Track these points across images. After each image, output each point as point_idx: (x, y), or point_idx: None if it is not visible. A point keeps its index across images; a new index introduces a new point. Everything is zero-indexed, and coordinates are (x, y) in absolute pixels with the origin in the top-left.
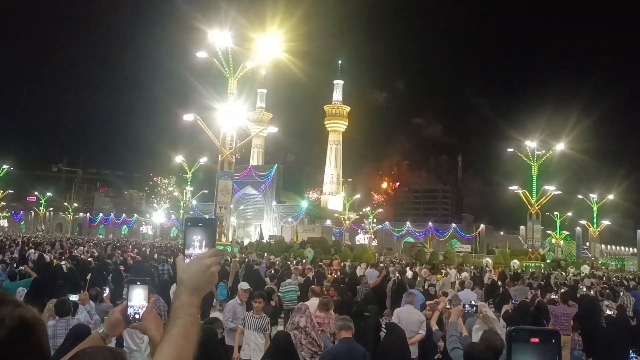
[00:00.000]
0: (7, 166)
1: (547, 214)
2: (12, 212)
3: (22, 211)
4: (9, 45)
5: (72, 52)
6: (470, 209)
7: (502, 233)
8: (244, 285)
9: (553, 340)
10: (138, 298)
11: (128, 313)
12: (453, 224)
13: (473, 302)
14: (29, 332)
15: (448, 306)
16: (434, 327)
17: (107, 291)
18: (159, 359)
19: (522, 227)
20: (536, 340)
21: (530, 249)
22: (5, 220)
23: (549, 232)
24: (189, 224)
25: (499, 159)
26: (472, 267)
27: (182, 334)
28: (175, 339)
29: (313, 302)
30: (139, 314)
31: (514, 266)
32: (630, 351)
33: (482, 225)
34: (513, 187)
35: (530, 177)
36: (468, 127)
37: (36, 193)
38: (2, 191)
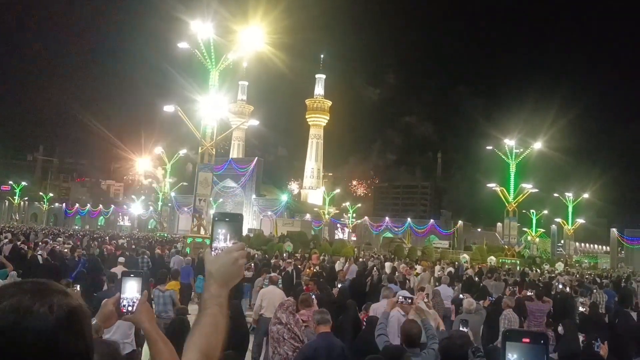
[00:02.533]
0: None
1: (523, 211)
2: None
3: None
4: None
5: (49, 40)
6: (449, 205)
7: (479, 230)
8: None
9: (542, 341)
10: (131, 290)
11: (121, 305)
12: (432, 220)
13: (407, 295)
14: (75, 321)
15: (426, 300)
16: (433, 323)
17: (77, 287)
18: (189, 348)
19: (499, 224)
20: (527, 340)
21: (506, 246)
22: None
23: (525, 229)
24: (216, 218)
25: (479, 157)
26: (447, 263)
27: (212, 324)
28: (206, 329)
29: (270, 290)
30: (132, 306)
31: (490, 262)
32: (597, 339)
33: (460, 222)
34: (491, 185)
35: (508, 174)
36: (448, 124)
37: (10, 182)
38: None
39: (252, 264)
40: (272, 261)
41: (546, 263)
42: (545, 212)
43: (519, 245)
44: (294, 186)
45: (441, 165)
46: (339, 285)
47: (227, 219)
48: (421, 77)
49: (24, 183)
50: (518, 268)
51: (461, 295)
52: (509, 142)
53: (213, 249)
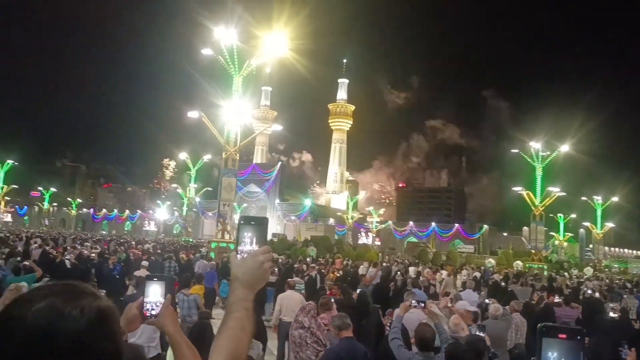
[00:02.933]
0: (11, 161)
1: (550, 215)
2: (16, 207)
3: (26, 206)
4: (12, 41)
5: (77, 48)
6: (474, 209)
7: (505, 234)
8: None
9: (578, 337)
10: (155, 294)
11: (145, 309)
12: (456, 224)
13: (420, 299)
14: (105, 323)
15: (450, 305)
16: (446, 327)
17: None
18: (215, 351)
19: (525, 228)
20: (564, 336)
21: (533, 250)
22: (9, 215)
23: (552, 233)
24: (241, 222)
25: (504, 160)
26: (472, 268)
27: (238, 327)
28: (232, 331)
29: (288, 294)
30: (155, 310)
31: (516, 267)
32: (623, 346)
33: (485, 226)
34: (517, 188)
35: (534, 178)
36: (473, 127)
37: (40, 188)
38: (6, 186)
39: (276, 269)
40: (296, 266)
41: (574, 268)
42: (573, 216)
43: (546, 250)
44: (320, 190)
45: (466, 169)
46: (358, 290)
47: (252, 223)
48: (446, 80)
49: (52, 189)
50: (545, 273)
51: (487, 300)
52: (535, 145)
53: (239, 253)
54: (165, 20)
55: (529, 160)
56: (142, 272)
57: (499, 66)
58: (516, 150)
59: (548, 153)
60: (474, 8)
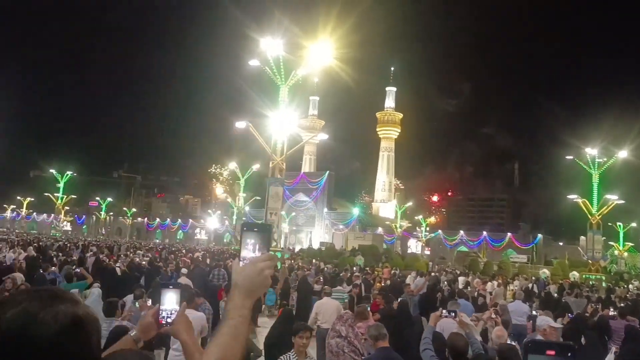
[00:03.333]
0: (71, 172)
1: (609, 224)
2: (75, 216)
3: (85, 215)
4: (71, 56)
5: (130, 62)
6: (528, 218)
7: (561, 243)
8: None
9: (569, 354)
10: (170, 302)
11: (160, 317)
12: (509, 234)
13: (451, 309)
14: (80, 330)
15: (494, 316)
16: (477, 337)
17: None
18: (205, 357)
19: (582, 237)
20: (552, 352)
21: (590, 261)
22: (69, 224)
23: (611, 243)
24: (244, 228)
25: (559, 167)
26: (525, 278)
27: (231, 334)
28: (224, 339)
29: (324, 301)
30: (171, 318)
31: (573, 278)
32: None
33: (539, 235)
34: (572, 196)
35: (590, 185)
36: (527, 133)
37: (97, 198)
38: (66, 196)
39: (322, 277)
40: (341, 274)
41: (635, 279)
42: (634, 224)
43: (604, 260)
44: (368, 199)
45: (519, 177)
46: (399, 299)
47: (255, 229)
48: (498, 86)
49: (109, 199)
50: (604, 284)
51: (534, 312)
52: (591, 151)
53: (241, 259)
54: (214, 34)
55: (584, 167)
56: (182, 280)
57: (553, 71)
58: (571, 157)
59: (605, 159)
60: (526, 11)
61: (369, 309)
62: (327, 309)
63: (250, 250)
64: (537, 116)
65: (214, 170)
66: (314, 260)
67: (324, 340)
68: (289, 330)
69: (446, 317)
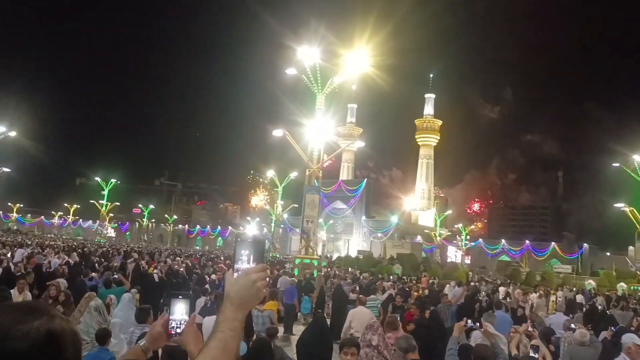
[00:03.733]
0: (115, 180)
1: None
2: (119, 223)
3: (128, 222)
4: (115, 68)
5: (171, 74)
6: (573, 227)
7: (608, 254)
8: None
9: None
10: (179, 312)
11: (170, 327)
12: (553, 243)
13: (476, 320)
14: (53, 345)
15: (530, 329)
16: (513, 350)
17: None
18: None
19: (630, 247)
20: None
21: (638, 272)
22: (113, 231)
23: None
24: (238, 239)
25: (604, 174)
26: (569, 289)
27: (220, 348)
28: (212, 352)
29: (359, 310)
30: (180, 328)
31: (620, 289)
32: None
33: (585, 245)
34: (619, 205)
35: (638, 193)
36: (571, 140)
37: (140, 205)
38: (110, 203)
39: (357, 286)
40: (377, 283)
41: None
42: None
43: None
44: (412, 204)
45: (563, 185)
46: (431, 308)
47: (249, 240)
48: (541, 92)
49: (151, 206)
50: None
51: (572, 325)
52: (639, 158)
53: (235, 271)
54: (251, 45)
55: (632, 174)
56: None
57: (599, 76)
58: (617, 164)
59: None
60: (569, 18)
61: (403, 318)
62: (360, 318)
63: (244, 261)
64: (582, 123)
65: (252, 178)
66: (350, 269)
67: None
68: (319, 334)
69: (471, 327)
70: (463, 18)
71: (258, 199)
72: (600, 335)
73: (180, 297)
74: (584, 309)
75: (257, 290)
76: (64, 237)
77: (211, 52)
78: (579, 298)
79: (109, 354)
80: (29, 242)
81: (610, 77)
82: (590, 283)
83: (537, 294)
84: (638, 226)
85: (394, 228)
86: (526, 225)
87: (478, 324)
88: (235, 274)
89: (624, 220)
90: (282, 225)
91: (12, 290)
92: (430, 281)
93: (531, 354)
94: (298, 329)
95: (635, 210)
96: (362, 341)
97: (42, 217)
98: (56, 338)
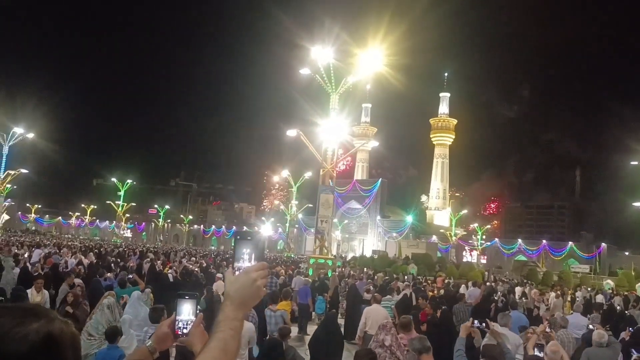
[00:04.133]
0: (131, 181)
1: None
2: (135, 224)
3: (144, 222)
4: (131, 71)
5: (186, 75)
6: (591, 226)
7: (627, 253)
8: None
9: None
10: (186, 312)
11: (177, 327)
12: (570, 242)
13: (482, 320)
14: (52, 348)
15: (548, 330)
16: (530, 351)
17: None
18: None
19: None
20: None
21: None
22: (129, 231)
23: None
24: (238, 237)
25: (622, 173)
26: (587, 289)
27: (220, 348)
28: (212, 352)
29: (374, 308)
30: (187, 328)
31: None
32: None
33: (603, 244)
34: (638, 203)
35: None
36: (587, 139)
37: (156, 206)
38: (126, 204)
39: (371, 286)
40: (392, 283)
41: None
42: None
43: None
44: (429, 203)
45: (580, 184)
46: (443, 308)
47: (249, 238)
48: (559, 90)
49: (167, 206)
50: None
51: (591, 326)
52: None
53: (235, 269)
54: (265, 45)
55: None
56: (219, 284)
57: (616, 74)
58: (636, 163)
59: None
60: (587, 14)
61: (418, 318)
62: (375, 316)
63: (245, 260)
64: (599, 121)
65: (267, 179)
66: (365, 269)
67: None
68: (330, 332)
69: (477, 327)
70: (478, 17)
71: (273, 199)
72: (620, 335)
73: (187, 297)
74: (602, 310)
75: (257, 289)
76: (81, 237)
77: (226, 52)
78: (599, 298)
79: (119, 351)
80: (47, 243)
81: (628, 74)
82: (609, 283)
83: (555, 294)
84: None
85: (409, 228)
86: (543, 224)
87: (484, 324)
88: (236, 273)
89: None
90: (296, 225)
91: (28, 290)
92: (446, 281)
93: (536, 353)
94: (312, 329)
95: None
96: (375, 341)
97: (60, 217)
98: (55, 341)
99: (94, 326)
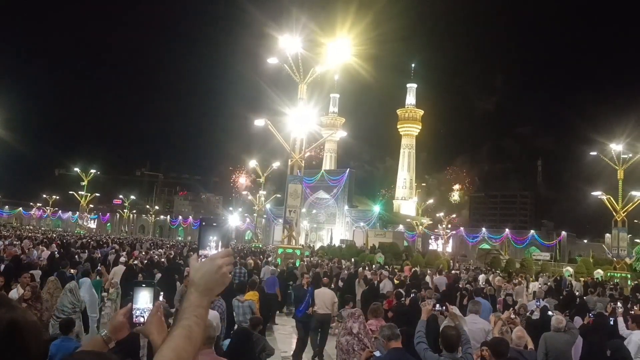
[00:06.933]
0: (95, 171)
1: (635, 221)
2: (100, 214)
3: (109, 213)
4: (96, 58)
5: (152, 64)
6: (552, 215)
7: (585, 241)
8: None
9: None
10: (143, 300)
11: (134, 316)
12: (532, 231)
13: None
14: (16, 335)
15: (513, 316)
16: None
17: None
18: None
19: (607, 235)
20: None
21: (615, 259)
22: (93, 222)
23: (637, 240)
24: (203, 223)
25: (582, 163)
26: (547, 276)
27: (184, 335)
28: (176, 341)
29: (322, 290)
30: (143, 317)
31: (597, 276)
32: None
33: (563, 233)
34: (596, 193)
35: (615, 182)
36: (549, 130)
37: (121, 196)
38: (90, 194)
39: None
40: (358, 271)
41: None
42: None
43: (630, 258)
44: (396, 192)
45: (542, 174)
46: (411, 295)
47: (214, 224)
48: (521, 82)
49: (132, 197)
50: (629, 282)
51: (550, 312)
52: (616, 147)
53: (200, 256)
54: (233, 33)
55: (609, 163)
56: None
57: (577, 66)
58: (595, 153)
59: (630, 155)
60: (548, 7)
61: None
62: (323, 297)
63: (211, 247)
64: (560, 112)
65: (234, 168)
66: (333, 259)
67: (319, 322)
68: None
69: (437, 310)
70: (445, 8)
71: (241, 190)
72: (575, 320)
73: (143, 285)
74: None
75: (222, 276)
76: (42, 228)
77: (193, 42)
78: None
79: (73, 343)
80: (7, 234)
81: (588, 67)
82: (568, 270)
83: (517, 281)
84: (615, 214)
85: (377, 217)
86: (506, 213)
87: (444, 307)
88: (200, 259)
89: (601, 209)
90: (264, 216)
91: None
92: (413, 269)
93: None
94: (282, 320)
95: (612, 199)
96: (343, 329)
97: (21, 208)
98: (18, 327)
99: (60, 308)
